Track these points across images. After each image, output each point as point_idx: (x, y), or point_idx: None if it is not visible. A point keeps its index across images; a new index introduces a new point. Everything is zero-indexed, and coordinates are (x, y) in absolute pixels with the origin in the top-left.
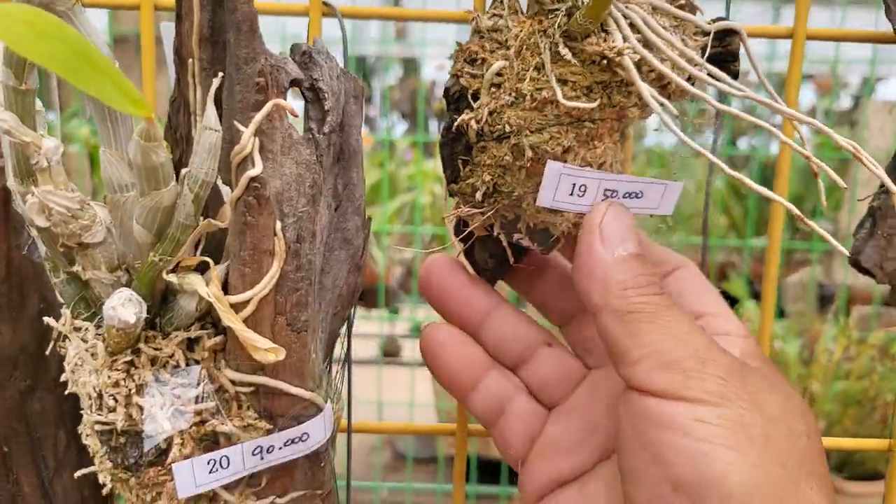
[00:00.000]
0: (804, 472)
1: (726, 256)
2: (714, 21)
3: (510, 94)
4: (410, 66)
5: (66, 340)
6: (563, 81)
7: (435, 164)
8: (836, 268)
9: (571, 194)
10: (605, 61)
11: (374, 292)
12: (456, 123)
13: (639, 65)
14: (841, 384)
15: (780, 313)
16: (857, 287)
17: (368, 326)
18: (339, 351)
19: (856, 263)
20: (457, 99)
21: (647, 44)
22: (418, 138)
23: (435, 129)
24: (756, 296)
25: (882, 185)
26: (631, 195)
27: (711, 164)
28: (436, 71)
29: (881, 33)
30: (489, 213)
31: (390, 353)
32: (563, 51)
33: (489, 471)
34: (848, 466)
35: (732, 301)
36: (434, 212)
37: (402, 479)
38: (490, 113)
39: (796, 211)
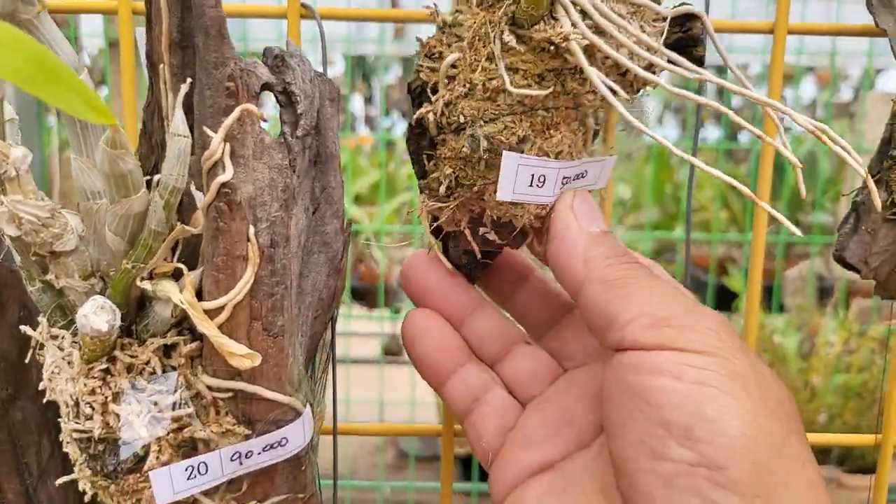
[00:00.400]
0: (794, 429)
1: (727, 251)
2: (675, 7)
3: (464, 85)
4: (409, 65)
5: (44, 349)
6: (513, 70)
7: None
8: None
9: (531, 185)
10: (553, 48)
11: (374, 292)
12: (415, 117)
13: (591, 51)
14: (841, 377)
15: (780, 307)
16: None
17: (370, 326)
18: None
19: (840, 259)
20: (419, 94)
21: (599, 30)
22: None
23: None
24: None
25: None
26: (578, 176)
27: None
28: None
29: (866, 26)
30: (453, 207)
31: (392, 352)
32: (508, 38)
33: None
34: (849, 460)
35: (732, 295)
36: None
37: (406, 477)
38: (446, 105)
39: (748, 192)
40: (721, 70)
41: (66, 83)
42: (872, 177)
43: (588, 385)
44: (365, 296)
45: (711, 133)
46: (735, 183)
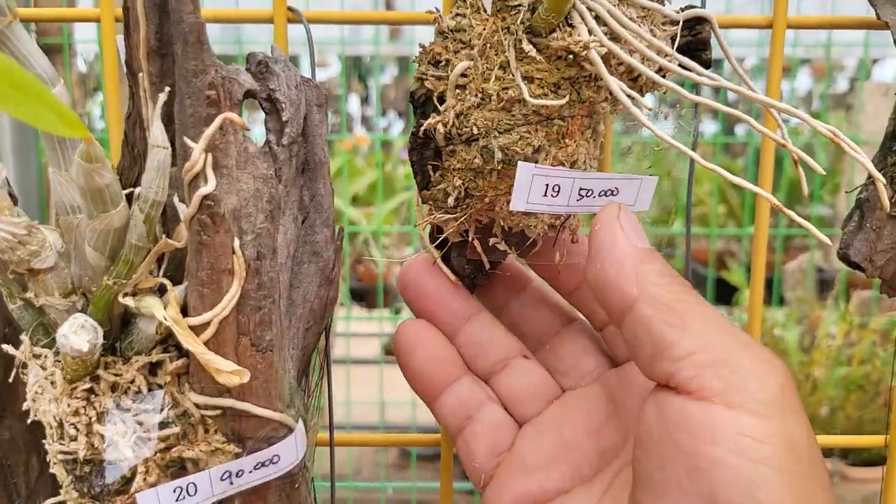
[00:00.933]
0: (834, 500)
1: (725, 245)
2: (683, 9)
3: (476, 94)
4: (405, 65)
5: (28, 368)
6: (529, 79)
7: None
8: (835, 253)
9: (545, 195)
10: (571, 56)
11: (373, 293)
12: (423, 128)
13: (606, 58)
14: (843, 370)
15: (780, 300)
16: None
17: (369, 327)
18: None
19: (845, 258)
20: (423, 103)
21: (613, 36)
22: None
23: None
24: None
25: (869, 177)
26: (606, 193)
27: (692, 160)
28: None
29: (865, 19)
30: (463, 219)
31: (392, 352)
32: (527, 47)
33: None
34: (852, 452)
35: (731, 289)
36: None
37: (409, 476)
38: (457, 115)
39: (773, 199)
40: (716, 64)
41: (35, 96)
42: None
43: (587, 412)
44: (364, 296)
45: (708, 128)
46: (743, 182)
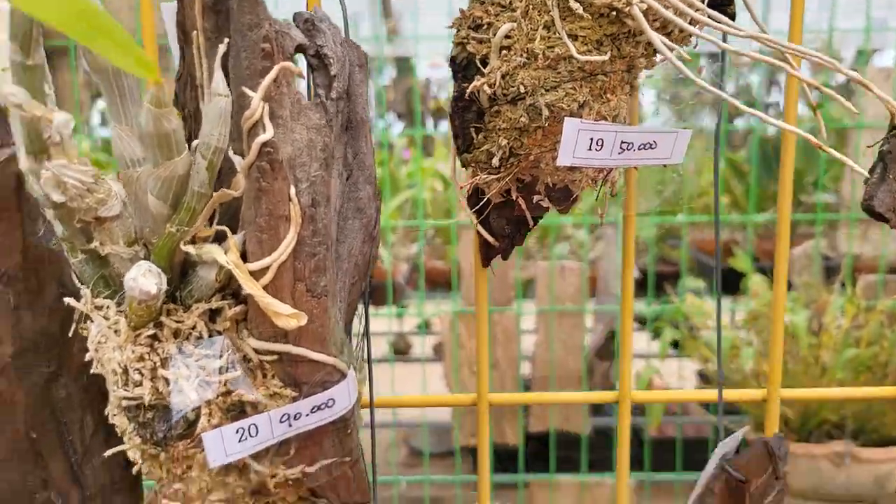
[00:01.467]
0: None
1: (730, 233)
2: None
3: (521, 55)
4: (403, 65)
5: (88, 321)
6: (573, 37)
7: (433, 161)
8: (839, 240)
9: (589, 149)
10: (614, 13)
11: (381, 290)
12: (469, 90)
13: (645, 13)
14: (851, 352)
15: (788, 285)
16: (861, 257)
17: (377, 324)
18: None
19: (869, 209)
20: (465, 66)
21: None
22: (416, 132)
23: (431, 126)
24: (761, 270)
25: (891, 129)
26: (645, 146)
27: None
28: (430, 69)
29: None
30: (507, 179)
31: (400, 350)
32: (574, 5)
33: (505, 458)
34: (863, 433)
35: (738, 276)
36: (434, 207)
37: (419, 474)
38: (503, 76)
39: (814, 140)
40: (713, 56)
41: (112, 35)
42: None
43: None
44: (371, 294)
45: (708, 120)
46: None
